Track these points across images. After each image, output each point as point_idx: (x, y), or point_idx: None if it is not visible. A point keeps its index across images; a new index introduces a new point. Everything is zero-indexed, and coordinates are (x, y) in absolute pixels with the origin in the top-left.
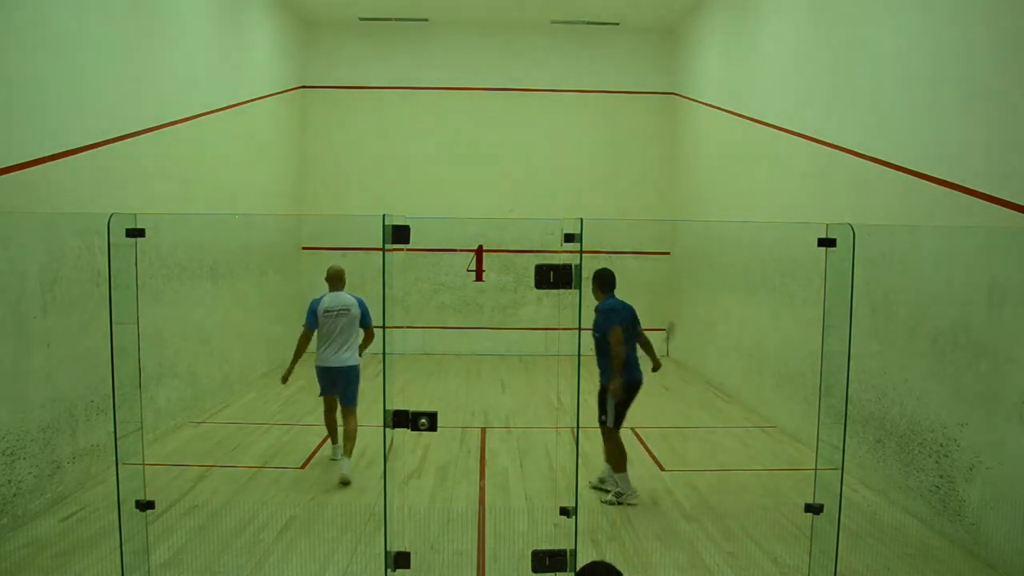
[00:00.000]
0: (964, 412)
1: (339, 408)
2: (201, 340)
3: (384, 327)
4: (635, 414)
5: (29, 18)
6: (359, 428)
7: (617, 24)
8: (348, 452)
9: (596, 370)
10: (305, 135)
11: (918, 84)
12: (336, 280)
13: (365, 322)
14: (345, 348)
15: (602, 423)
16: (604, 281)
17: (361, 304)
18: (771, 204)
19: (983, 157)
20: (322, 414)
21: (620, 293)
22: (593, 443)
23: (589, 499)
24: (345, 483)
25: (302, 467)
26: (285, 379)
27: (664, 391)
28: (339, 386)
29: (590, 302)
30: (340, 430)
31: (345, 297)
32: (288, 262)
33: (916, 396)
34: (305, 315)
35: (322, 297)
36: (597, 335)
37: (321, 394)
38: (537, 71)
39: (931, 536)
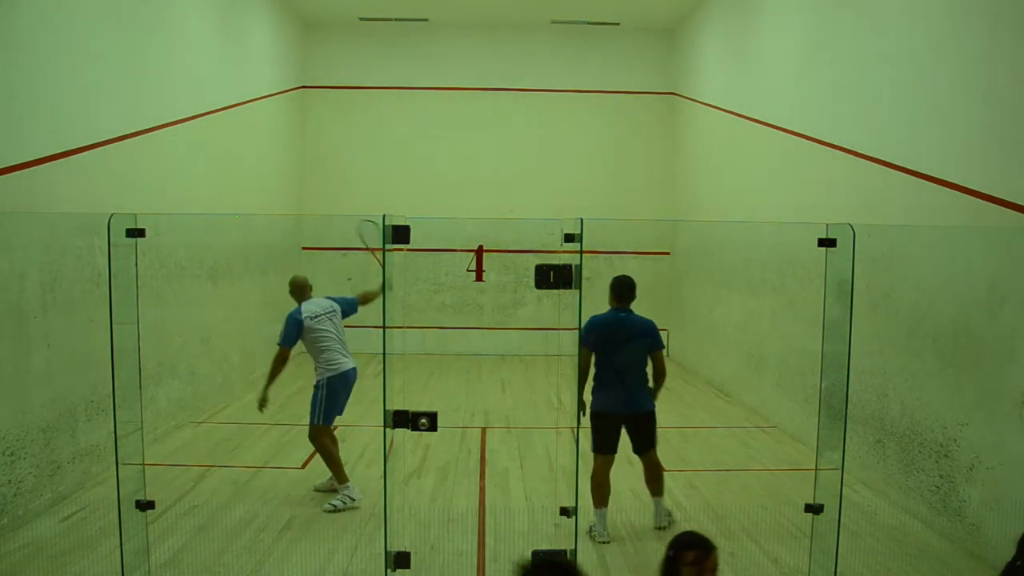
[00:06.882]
0: (964, 412)
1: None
2: (201, 340)
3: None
4: None
5: (31, 19)
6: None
7: (617, 24)
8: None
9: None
10: (305, 135)
11: (918, 84)
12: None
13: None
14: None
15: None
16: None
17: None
18: (771, 204)
19: (984, 157)
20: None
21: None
22: None
23: (588, 499)
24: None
25: (302, 467)
26: None
27: (664, 391)
28: None
29: (590, 302)
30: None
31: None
32: (288, 262)
33: (916, 396)
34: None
35: None
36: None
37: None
38: (537, 71)
39: (931, 536)
